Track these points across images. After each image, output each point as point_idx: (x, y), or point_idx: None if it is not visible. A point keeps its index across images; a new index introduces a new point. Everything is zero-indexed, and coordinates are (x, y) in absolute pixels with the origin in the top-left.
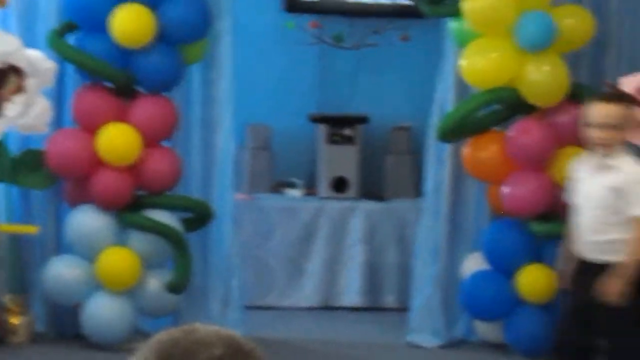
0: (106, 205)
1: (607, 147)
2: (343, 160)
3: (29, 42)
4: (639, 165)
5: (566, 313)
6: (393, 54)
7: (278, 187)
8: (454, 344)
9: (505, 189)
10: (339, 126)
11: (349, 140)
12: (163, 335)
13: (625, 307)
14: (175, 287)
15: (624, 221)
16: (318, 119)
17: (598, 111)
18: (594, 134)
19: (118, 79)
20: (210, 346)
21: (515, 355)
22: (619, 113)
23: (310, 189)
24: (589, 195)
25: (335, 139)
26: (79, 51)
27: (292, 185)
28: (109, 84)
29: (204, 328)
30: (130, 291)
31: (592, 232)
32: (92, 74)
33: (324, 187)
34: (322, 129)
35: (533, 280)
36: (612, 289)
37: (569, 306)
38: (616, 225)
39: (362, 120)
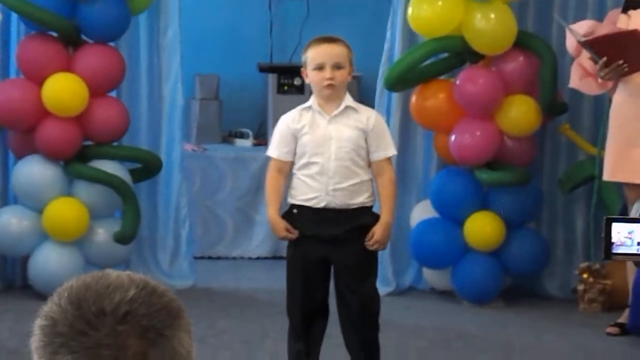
0: (53, 155)
1: None
2: None
3: None
4: None
5: None
6: (342, 2)
7: (228, 137)
8: (402, 292)
9: (453, 138)
10: (289, 75)
11: (298, 89)
12: (74, 281)
13: None
14: (123, 238)
15: None
16: (267, 69)
17: None
18: None
19: (63, 28)
20: (123, 288)
21: (463, 302)
22: None
23: (260, 139)
24: None
25: (285, 89)
26: (24, 0)
27: (242, 136)
28: (54, 34)
29: (115, 273)
30: (78, 242)
31: None
32: (37, 24)
33: None
34: (271, 79)
35: (480, 228)
36: None
37: None
38: None
39: None
